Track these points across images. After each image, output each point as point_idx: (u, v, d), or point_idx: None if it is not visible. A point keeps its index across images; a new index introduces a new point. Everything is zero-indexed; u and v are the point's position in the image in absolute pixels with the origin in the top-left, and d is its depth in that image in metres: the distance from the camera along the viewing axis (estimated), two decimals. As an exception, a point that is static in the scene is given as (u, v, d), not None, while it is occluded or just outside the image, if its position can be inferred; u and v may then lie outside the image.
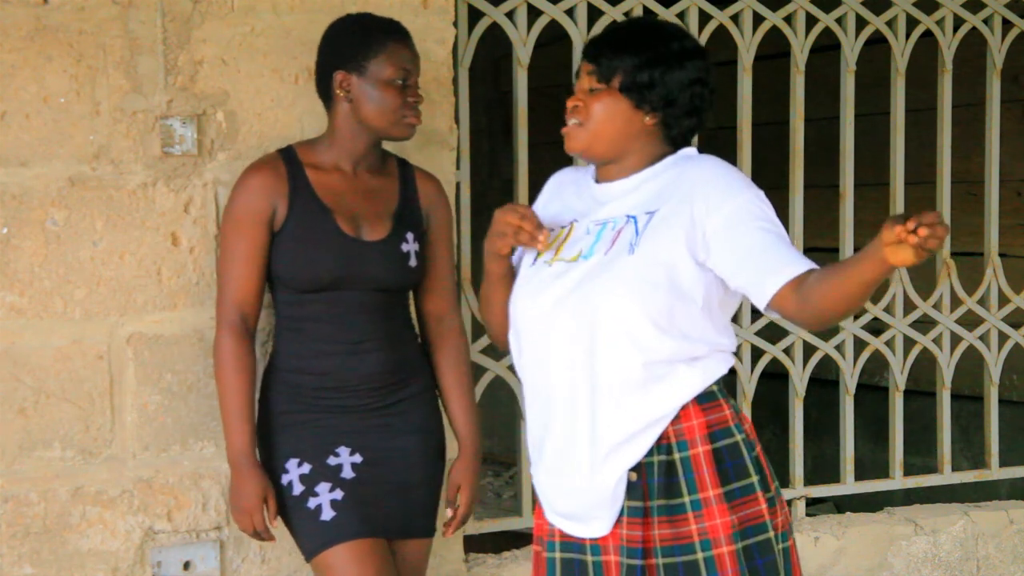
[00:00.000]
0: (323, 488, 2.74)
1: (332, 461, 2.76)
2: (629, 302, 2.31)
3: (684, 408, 2.35)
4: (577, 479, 2.38)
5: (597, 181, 2.52)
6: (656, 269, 2.32)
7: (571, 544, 2.42)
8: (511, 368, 3.49)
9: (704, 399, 2.38)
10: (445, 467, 2.94)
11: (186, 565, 3.00)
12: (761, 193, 2.38)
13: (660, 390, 2.34)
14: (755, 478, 2.39)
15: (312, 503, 2.74)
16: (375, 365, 2.79)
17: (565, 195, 2.55)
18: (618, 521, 2.36)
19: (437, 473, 2.91)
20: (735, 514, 2.35)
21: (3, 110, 2.86)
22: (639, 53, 2.41)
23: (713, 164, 2.42)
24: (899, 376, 3.98)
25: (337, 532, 2.73)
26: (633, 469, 2.35)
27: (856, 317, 3.90)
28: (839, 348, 3.88)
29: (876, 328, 3.96)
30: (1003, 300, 4.11)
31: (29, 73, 2.86)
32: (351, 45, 2.78)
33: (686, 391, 2.36)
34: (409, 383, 2.85)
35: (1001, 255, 4.13)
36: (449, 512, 2.92)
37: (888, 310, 3.95)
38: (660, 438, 2.35)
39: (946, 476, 4.07)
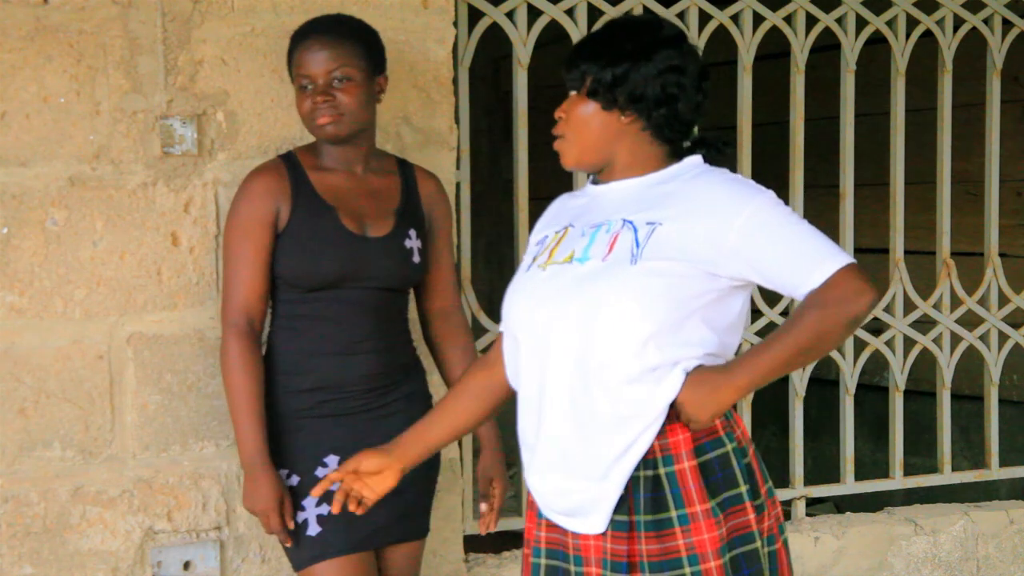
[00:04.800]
0: (310, 503, 2.75)
1: (320, 473, 2.76)
2: (631, 312, 2.29)
3: (671, 422, 2.32)
4: (582, 483, 2.35)
5: (595, 183, 2.50)
6: (659, 280, 2.29)
7: (556, 552, 2.41)
8: (511, 368, 3.50)
9: None
10: (439, 467, 2.94)
11: (186, 565, 3.00)
12: (771, 193, 2.35)
13: (656, 393, 2.31)
14: (744, 488, 2.36)
15: (299, 517, 2.75)
16: (369, 367, 2.79)
17: (559, 216, 2.53)
18: (603, 534, 2.33)
19: (430, 475, 2.91)
20: (723, 526, 2.32)
21: (3, 110, 2.86)
22: (602, 54, 2.38)
23: (718, 177, 2.38)
24: (899, 376, 3.99)
25: (322, 549, 2.74)
26: None
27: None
28: (839, 348, 3.88)
29: (876, 328, 3.96)
30: (1003, 300, 4.11)
31: (29, 73, 2.86)
32: (287, 61, 2.83)
33: (663, 406, 2.32)
34: (402, 385, 2.85)
35: (1001, 255, 4.13)
36: (484, 507, 2.89)
37: (888, 310, 3.95)
38: (647, 453, 2.32)
39: (946, 476, 4.07)
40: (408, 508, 2.85)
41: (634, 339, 2.29)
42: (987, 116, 4.09)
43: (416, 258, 2.84)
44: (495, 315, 3.50)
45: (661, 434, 2.32)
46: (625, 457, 2.32)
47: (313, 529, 2.74)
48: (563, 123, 2.42)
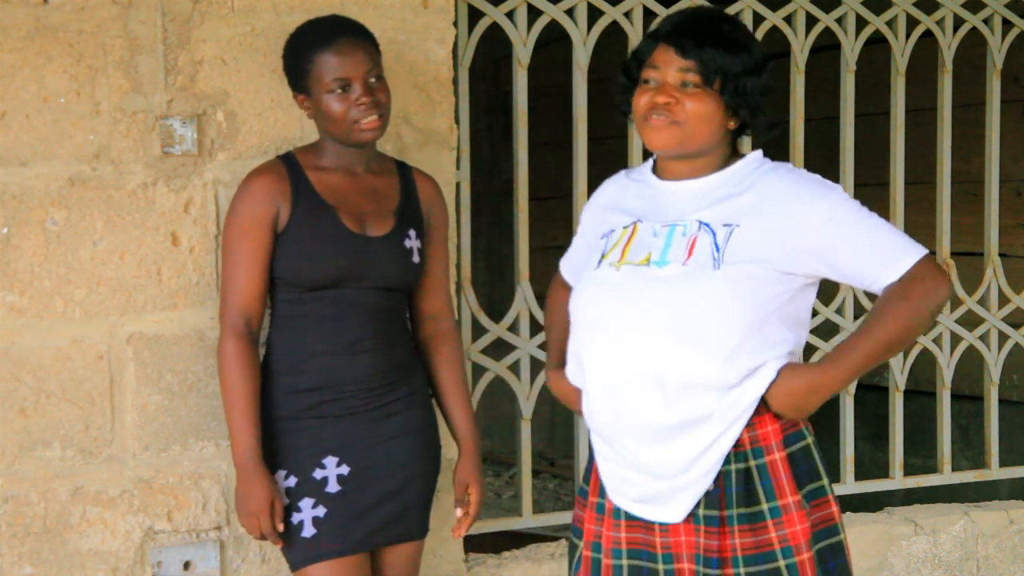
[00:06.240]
0: (306, 504, 2.75)
1: (318, 474, 2.76)
2: (718, 319, 2.28)
3: (759, 415, 2.33)
4: (661, 479, 2.35)
5: (658, 176, 2.46)
6: (742, 285, 2.29)
7: (639, 552, 2.39)
8: (511, 368, 3.50)
9: None
10: (439, 467, 2.94)
11: (186, 565, 3.00)
12: (839, 188, 2.37)
13: (744, 391, 2.32)
14: (825, 480, 2.38)
15: (295, 518, 2.75)
16: (369, 366, 2.78)
17: (623, 201, 2.49)
18: (695, 530, 2.33)
19: (430, 474, 2.91)
20: (811, 518, 2.33)
21: (3, 110, 2.86)
22: (739, 57, 2.34)
23: (788, 175, 2.38)
24: (899, 376, 3.99)
25: (317, 551, 2.75)
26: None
27: (856, 317, 3.90)
28: (839, 348, 3.88)
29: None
30: (1003, 300, 4.12)
31: (29, 73, 2.86)
32: (291, 68, 2.81)
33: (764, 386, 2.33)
34: (401, 385, 2.84)
35: (1001, 255, 4.13)
36: (459, 512, 2.92)
37: (888, 310, 3.95)
38: (736, 446, 2.32)
39: (946, 476, 4.07)
40: (406, 508, 2.85)
41: (721, 346, 2.29)
42: (987, 116, 4.09)
43: (416, 258, 2.84)
44: (495, 315, 3.51)
45: (750, 426, 2.33)
46: (708, 453, 2.32)
47: (308, 531, 2.74)
48: (675, 107, 2.35)
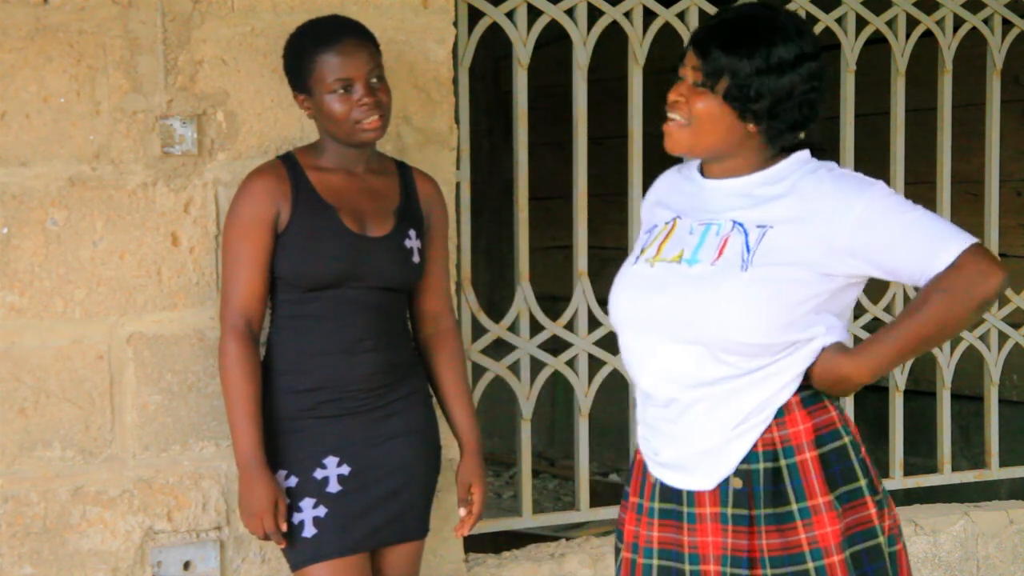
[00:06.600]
0: (307, 504, 2.75)
1: (319, 474, 2.76)
2: (744, 320, 2.25)
3: (789, 412, 2.30)
4: (695, 445, 2.34)
5: (703, 173, 2.43)
6: (770, 286, 2.25)
7: (669, 552, 2.37)
8: (511, 368, 3.50)
9: (809, 401, 2.31)
10: (440, 467, 2.95)
11: (186, 565, 3.01)
12: (880, 184, 2.30)
13: (766, 387, 2.30)
14: (863, 481, 2.33)
15: (296, 518, 2.75)
16: (370, 366, 2.79)
17: (670, 196, 2.48)
18: (723, 529, 2.30)
19: (430, 474, 2.91)
20: (844, 520, 2.29)
21: (3, 110, 2.86)
22: (750, 59, 2.28)
23: (826, 175, 2.32)
24: (899, 376, 3.99)
25: (317, 551, 2.75)
26: (738, 476, 2.30)
27: (856, 317, 3.90)
28: (839, 348, 3.88)
29: (876, 328, 3.95)
30: (1003, 300, 4.12)
31: (29, 73, 2.86)
32: (292, 68, 2.81)
33: (794, 375, 2.31)
34: (401, 385, 2.85)
35: (1001, 255, 4.13)
36: (463, 511, 2.93)
37: (888, 310, 3.95)
38: (766, 444, 2.29)
39: (946, 476, 4.07)
40: (406, 509, 2.85)
41: (744, 347, 2.27)
42: (987, 116, 4.09)
43: (416, 258, 2.84)
44: (495, 315, 3.51)
45: (781, 425, 2.30)
46: (738, 428, 2.30)
47: (309, 531, 2.75)
48: (683, 109, 2.33)
